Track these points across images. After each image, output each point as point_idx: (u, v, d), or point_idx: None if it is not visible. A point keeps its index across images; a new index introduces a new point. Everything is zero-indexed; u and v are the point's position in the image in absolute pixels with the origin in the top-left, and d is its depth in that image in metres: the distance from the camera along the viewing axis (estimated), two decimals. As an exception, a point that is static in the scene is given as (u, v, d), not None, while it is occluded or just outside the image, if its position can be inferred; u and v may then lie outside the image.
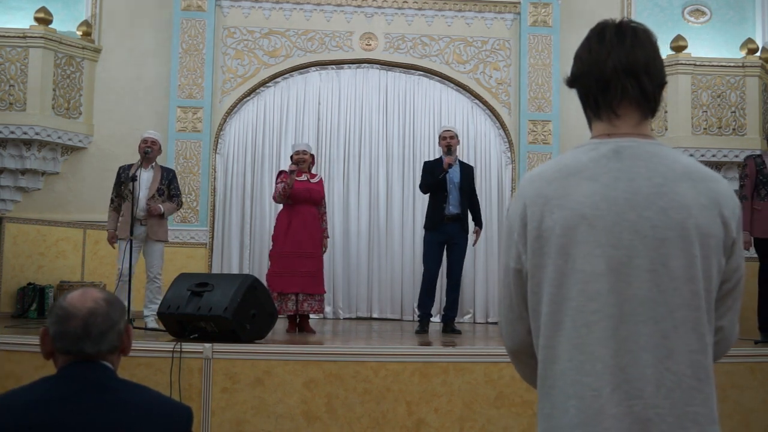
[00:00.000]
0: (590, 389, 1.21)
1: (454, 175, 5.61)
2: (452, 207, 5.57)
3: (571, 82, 1.39)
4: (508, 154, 7.71)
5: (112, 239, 5.42)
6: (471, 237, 5.76)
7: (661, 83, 1.34)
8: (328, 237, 5.70)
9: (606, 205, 1.25)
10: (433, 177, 5.58)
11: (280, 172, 5.70)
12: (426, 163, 5.88)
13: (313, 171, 5.79)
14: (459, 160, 5.78)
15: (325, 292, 5.60)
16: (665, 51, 7.55)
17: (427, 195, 5.79)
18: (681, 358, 1.21)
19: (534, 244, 1.28)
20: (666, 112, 7.44)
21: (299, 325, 5.48)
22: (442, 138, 5.72)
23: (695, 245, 1.23)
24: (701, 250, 1.24)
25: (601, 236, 1.24)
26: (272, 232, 5.67)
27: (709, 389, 1.23)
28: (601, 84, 1.32)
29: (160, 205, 5.44)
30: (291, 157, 5.74)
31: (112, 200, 5.52)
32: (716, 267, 1.26)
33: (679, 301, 1.22)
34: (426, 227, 5.70)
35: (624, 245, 1.23)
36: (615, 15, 1.53)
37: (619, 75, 1.31)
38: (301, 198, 5.47)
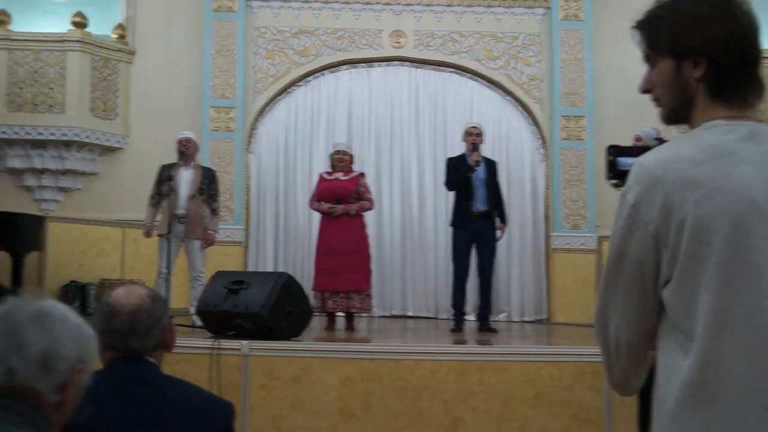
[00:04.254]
0: None
1: (479, 171, 5.56)
2: (479, 204, 5.52)
3: (702, 47, 1.18)
4: (541, 150, 7.61)
5: (148, 233, 5.49)
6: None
7: None
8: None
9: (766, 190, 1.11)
10: (458, 174, 5.54)
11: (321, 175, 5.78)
12: (449, 160, 5.81)
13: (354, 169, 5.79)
14: (483, 156, 5.72)
15: (365, 288, 5.47)
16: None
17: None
18: None
19: (687, 234, 1.12)
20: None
21: (346, 323, 5.50)
22: (468, 134, 5.68)
23: None
24: None
25: None
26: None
27: None
28: (754, 63, 1.19)
29: (211, 231, 5.50)
30: (331, 155, 5.76)
31: (152, 196, 5.58)
32: None
33: None
34: (453, 225, 5.65)
35: None
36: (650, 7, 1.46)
37: (760, 57, 1.22)
38: (325, 198, 5.54)
